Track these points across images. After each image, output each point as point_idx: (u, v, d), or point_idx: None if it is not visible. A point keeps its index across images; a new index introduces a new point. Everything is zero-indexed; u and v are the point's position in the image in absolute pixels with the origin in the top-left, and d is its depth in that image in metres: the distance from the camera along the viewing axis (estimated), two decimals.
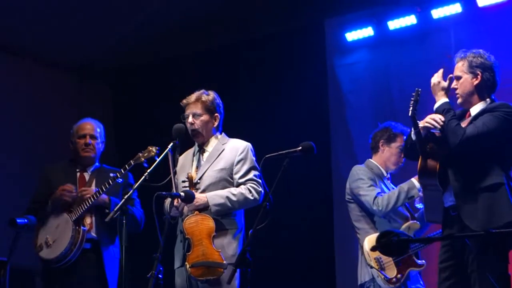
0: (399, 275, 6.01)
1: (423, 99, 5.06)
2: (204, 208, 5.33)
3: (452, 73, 5.10)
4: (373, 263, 6.04)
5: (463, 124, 4.91)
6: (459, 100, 5.03)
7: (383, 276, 6.00)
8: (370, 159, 6.37)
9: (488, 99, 5.01)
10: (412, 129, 4.95)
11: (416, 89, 4.97)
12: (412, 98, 4.93)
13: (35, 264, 6.44)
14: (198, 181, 5.46)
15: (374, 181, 6.20)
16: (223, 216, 5.39)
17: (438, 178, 4.88)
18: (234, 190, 5.39)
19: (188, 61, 9.19)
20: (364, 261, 6.10)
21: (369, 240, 6.09)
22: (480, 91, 5.01)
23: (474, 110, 4.98)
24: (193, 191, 5.36)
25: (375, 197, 6.07)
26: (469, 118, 4.96)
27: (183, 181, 5.46)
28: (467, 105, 5.03)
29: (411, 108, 4.89)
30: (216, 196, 5.35)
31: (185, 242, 5.31)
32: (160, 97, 8.90)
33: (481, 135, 4.76)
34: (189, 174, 5.46)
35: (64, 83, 9.50)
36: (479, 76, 4.99)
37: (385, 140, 6.29)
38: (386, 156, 6.27)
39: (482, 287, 4.67)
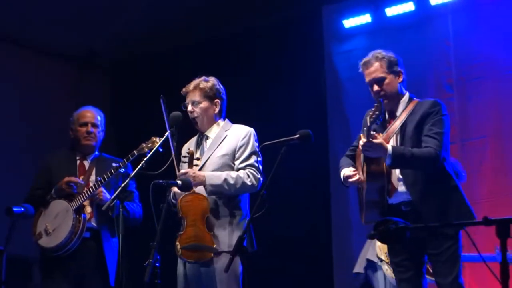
0: None
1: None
2: (200, 184, 5.34)
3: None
4: (383, 257, 6.01)
5: (392, 126, 4.94)
6: (385, 102, 4.95)
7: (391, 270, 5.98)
8: None
9: (407, 94, 5.05)
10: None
11: (379, 100, 4.83)
12: (375, 109, 4.75)
13: (32, 252, 6.43)
14: (198, 157, 5.47)
15: None
16: (228, 202, 5.39)
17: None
18: (233, 173, 5.37)
19: (187, 51, 9.18)
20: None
21: None
22: (401, 88, 5.05)
23: (399, 109, 4.99)
24: (193, 168, 5.37)
25: None
26: (398, 121, 4.94)
27: (184, 157, 5.46)
28: (393, 105, 5.02)
29: (371, 119, 4.71)
30: (214, 177, 5.33)
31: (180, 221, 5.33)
32: (159, 88, 8.86)
33: (444, 142, 4.81)
34: (190, 149, 5.47)
35: (63, 73, 9.50)
36: (401, 74, 5.04)
37: None
38: None
39: (448, 273, 4.77)
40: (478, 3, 7.42)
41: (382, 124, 5.00)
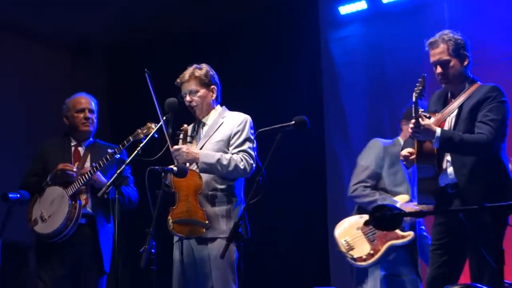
0: (371, 251, 5.97)
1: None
2: (193, 161, 5.36)
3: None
4: (342, 248, 6.03)
5: (449, 107, 4.94)
6: (447, 85, 5.00)
7: (350, 257, 5.99)
8: (398, 137, 6.31)
9: (469, 78, 5.02)
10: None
11: (423, 75, 4.88)
12: (418, 84, 4.81)
13: (28, 238, 6.43)
14: (192, 135, 5.51)
15: (382, 161, 6.18)
16: (223, 188, 5.40)
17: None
18: (228, 155, 5.39)
19: (184, 37, 9.14)
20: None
21: (339, 226, 6.12)
22: (466, 72, 5.02)
23: (459, 91, 4.99)
24: (187, 144, 5.40)
25: (356, 184, 6.14)
26: (456, 103, 4.93)
27: (178, 132, 5.47)
28: (455, 88, 5.02)
29: (415, 94, 4.78)
30: (209, 155, 5.36)
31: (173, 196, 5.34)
32: (155, 74, 8.86)
33: (499, 129, 4.79)
34: (184, 126, 5.48)
35: (58, 60, 9.47)
36: (467, 58, 4.99)
37: (404, 118, 6.23)
38: (405, 134, 6.24)
39: (478, 263, 4.71)
40: None
41: (443, 105, 5.00)
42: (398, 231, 5.94)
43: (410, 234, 5.93)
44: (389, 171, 6.16)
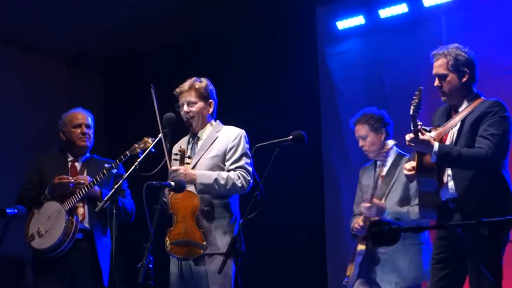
0: (348, 273, 5.99)
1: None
2: (190, 183, 5.34)
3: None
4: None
5: (450, 121, 4.95)
6: (444, 99, 5.02)
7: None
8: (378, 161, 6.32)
9: (472, 93, 5.02)
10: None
11: (419, 87, 4.90)
12: (415, 97, 4.83)
13: (24, 252, 6.41)
14: (190, 156, 5.48)
15: (361, 184, 6.21)
16: (218, 204, 5.40)
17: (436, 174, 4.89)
18: (224, 174, 5.38)
19: (180, 49, 9.17)
20: None
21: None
22: (466, 88, 5.00)
23: (463, 106, 4.99)
24: (185, 165, 5.37)
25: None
26: (458, 117, 4.94)
27: (175, 154, 5.45)
28: (453, 102, 5.03)
29: (412, 107, 4.80)
30: (205, 176, 5.35)
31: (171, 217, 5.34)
32: (152, 86, 8.87)
33: (499, 144, 4.79)
34: (181, 147, 5.46)
35: (55, 72, 9.47)
36: (467, 75, 4.98)
37: None
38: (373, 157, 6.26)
39: (478, 277, 4.69)
40: (472, 5, 7.42)
41: (446, 119, 5.01)
42: (359, 245, 5.95)
43: (359, 246, 5.93)
44: (364, 190, 6.17)
